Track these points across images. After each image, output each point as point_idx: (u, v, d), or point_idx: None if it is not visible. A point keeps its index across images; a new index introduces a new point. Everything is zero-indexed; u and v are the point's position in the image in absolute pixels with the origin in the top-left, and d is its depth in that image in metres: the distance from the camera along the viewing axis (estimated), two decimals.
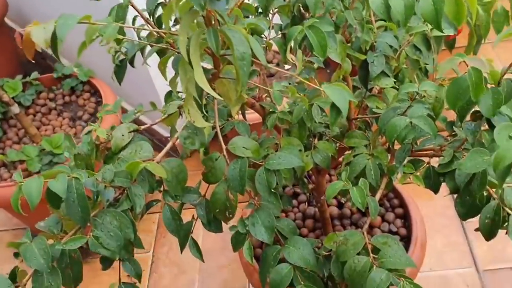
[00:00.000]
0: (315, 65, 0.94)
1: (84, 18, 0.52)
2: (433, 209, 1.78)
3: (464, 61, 0.69)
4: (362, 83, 0.90)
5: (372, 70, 0.87)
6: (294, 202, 1.45)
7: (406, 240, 1.28)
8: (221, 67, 0.63)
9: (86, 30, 0.53)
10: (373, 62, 0.87)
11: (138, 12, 0.68)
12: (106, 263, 0.71)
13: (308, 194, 1.44)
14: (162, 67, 0.66)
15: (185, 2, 0.45)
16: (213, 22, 0.50)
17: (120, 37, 0.65)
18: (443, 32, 0.62)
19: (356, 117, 0.92)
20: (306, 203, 1.44)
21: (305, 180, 1.40)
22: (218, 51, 0.49)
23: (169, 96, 1.01)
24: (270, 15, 0.95)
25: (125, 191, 0.71)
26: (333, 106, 0.64)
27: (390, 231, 1.31)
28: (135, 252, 0.84)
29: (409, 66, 0.97)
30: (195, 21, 0.49)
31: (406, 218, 1.34)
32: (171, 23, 0.56)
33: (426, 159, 0.76)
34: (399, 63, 0.94)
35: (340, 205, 1.41)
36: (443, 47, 1.58)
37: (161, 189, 0.77)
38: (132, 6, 0.65)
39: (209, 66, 0.65)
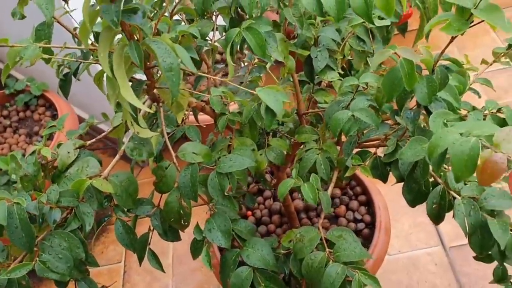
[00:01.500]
0: (268, 64, 0.94)
1: (1, 41, 0.50)
2: (397, 193, 1.80)
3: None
4: (308, 78, 0.91)
5: (316, 65, 0.87)
6: (260, 199, 1.45)
7: (371, 226, 1.30)
8: (156, 77, 0.62)
9: (8, 53, 0.52)
10: (316, 57, 0.88)
11: (65, 28, 0.66)
12: (61, 285, 0.69)
13: (272, 190, 1.44)
14: (97, 82, 0.65)
15: (103, 20, 0.44)
16: (137, 35, 0.49)
17: (46, 56, 0.63)
18: (374, 24, 0.62)
19: (306, 112, 0.92)
20: (272, 199, 1.45)
21: (267, 176, 1.40)
22: (141, 64, 0.48)
23: (118, 106, 1.00)
24: (214, 17, 0.95)
25: (73, 211, 0.69)
26: (268, 108, 0.64)
27: (355, 219, 1.33)
28: (108, 263, 0.83)
29: (355, 57, 0.98)
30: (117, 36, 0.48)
31: (369, 204, 1.35)
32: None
33: (373, 150, 0.76)
34: (344, 55, 0.94)
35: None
36: (395, 32, 1.61)
37: (112, 204, 0.76)
38: (58, 22, 0.63)
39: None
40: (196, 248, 0.81)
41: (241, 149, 0.88)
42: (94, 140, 0.81)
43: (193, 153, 0.79)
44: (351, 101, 0.73)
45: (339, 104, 0.76)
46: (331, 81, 0.91)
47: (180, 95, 0.73)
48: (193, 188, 0.76)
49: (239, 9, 0.80)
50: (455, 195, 0.67)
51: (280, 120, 1.00)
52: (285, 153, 0.94)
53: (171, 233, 0.82)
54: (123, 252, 1.91)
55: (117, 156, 0.77)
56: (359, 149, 0.78)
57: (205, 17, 0.91)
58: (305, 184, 0.74)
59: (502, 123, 0.82)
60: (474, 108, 0.88)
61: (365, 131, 0.76)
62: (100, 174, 0.75)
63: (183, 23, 0.95)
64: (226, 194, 0.79)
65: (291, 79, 0.92)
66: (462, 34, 0.62)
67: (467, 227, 0.64)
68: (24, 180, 0.78)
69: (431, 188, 0.68)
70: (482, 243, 0.64)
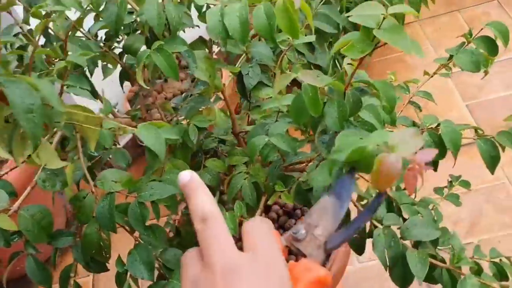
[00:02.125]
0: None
1: None
2: None
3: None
4: (242, 95, 0.86)
5: (248, 82, 0.83)
6: None
7: None
8: None
9: None
10: (247, 73, 0.83)
11: None
12: None
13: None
14: None
15: None
16: None
17: None
18: (277, 45, 0.58)
19: (241, 131, 0.88)
20: None
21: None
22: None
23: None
24: None
25: None
26: (149, 149, 0.60)
27: None
28: (77, 277, 0.79)
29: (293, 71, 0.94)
30: None
31: None
32: None
33: (297, 174, 0.72)
34: (282, 69, 0.90)
35: (267, 209, 1.37)
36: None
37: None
38: None
39: None
40: (120, 281, 0.77)
41: (171, 172, 0.84)
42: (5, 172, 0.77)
43: (113, 180, 0.75)
44: (273, 124, 0.68)
45: (263, 127, 0.71)
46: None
47: (87, 127, 0.69)
48: (111, 219, 0.72)
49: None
50: (376, 223, 0.63)
51: (219, 138, 0.96)
52: (223, 174, 0.90)
53: (95, 265, 0.78)
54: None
55: (28, 188, 0.73)
56: (286, 173, 0.74)
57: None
58: (227, 213, 0.70)
59: (438, 139, 0.77)
60: (414, 124, 0.84)
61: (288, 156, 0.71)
62: (9, 208, 0.70)
63: None
64: (147, 224, 0.75)
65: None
66: (370, 55, 0.58)
67: (387, 260, 0.60)
68: None
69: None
70: (404, 276, 0.60)
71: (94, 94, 0.80)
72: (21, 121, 0.44)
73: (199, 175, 0.88)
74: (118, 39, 0.85)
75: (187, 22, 0.72)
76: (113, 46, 0.86)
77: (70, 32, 0.76)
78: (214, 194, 0.98)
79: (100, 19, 0.77)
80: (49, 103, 0.47)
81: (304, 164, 0.71)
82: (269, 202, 0.73)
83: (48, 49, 0.74)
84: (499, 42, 0.80)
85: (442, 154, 0.79)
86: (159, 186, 0.75)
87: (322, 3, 0.90)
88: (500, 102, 2.02)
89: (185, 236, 1.09)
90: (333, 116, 0.57)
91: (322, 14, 0.89)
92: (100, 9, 0.70)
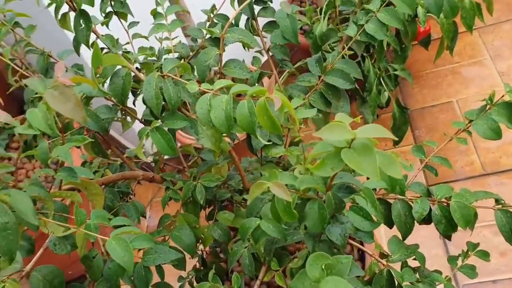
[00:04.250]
0: None
1: None
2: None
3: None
4: (251, 152, 0.86)
5: (255, 144, 0.83)
6: None
7: None
8: None
9: None
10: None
11: None
12: None
13: None
14: None
15: None
16: None
17: None
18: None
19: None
20: None
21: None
22: None
23: None
24: None
25: None
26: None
27: None
28: None
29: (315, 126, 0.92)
30: None
31: None
32: None
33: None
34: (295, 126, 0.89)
35: None
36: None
37: None
38: None
39: None
40: None
41: (181, 228, 0.86)
42: None
43: None
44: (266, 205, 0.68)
45: (262, 201, 0.71)
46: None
47: (93, 195, 0.72)
48: (116, 282, 0.75)
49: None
50: None
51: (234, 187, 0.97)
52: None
53: None
54: None
55: (41, 250, 0.77)
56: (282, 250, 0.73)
57: None
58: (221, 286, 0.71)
59: (449, 214, 0.74)
60: (428, 192, 0.80)
61: None
62: (22, 269, 0.75)
63: None
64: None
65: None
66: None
67: None
68: None
69: None
70: None
71: None
72: None
73: (210, 230, 0.90)
74: None
75: (186, 97, 0.72)
76: None
77: None
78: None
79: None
80: (25, 218, 0.49)
81: (301, 243, 0.70)
82: (265, 280, 0.73)
83: None
84: None
85: (453, 229, 0.76)
86: (163, 250, 0.77)
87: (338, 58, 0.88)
88: None
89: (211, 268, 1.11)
90: (314, 218, 0.56)
91: (337, 70, 0.87)
92: (107, 82, 0.73)
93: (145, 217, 0.92)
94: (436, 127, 2.00)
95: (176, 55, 0.97)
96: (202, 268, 1.12)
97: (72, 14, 0.71)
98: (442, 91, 2.09)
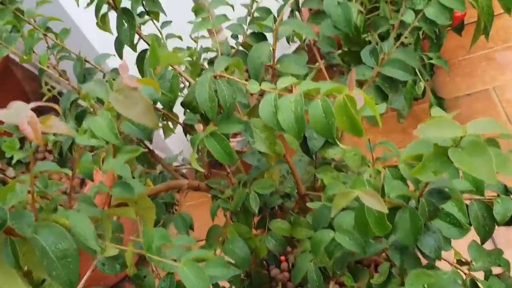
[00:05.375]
0: None
1: None
2: None
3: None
4: (307, 155, 0.80)
5: (312, 144, 0.76)
6: None
7: None
8: None
9: None
10: (311, 135, 0.76)
11: None
12: None
13: None
14: None
15: None
16: None
17: None
18: (336, 143, 0.51)
19: (307, 193, 0.81)
20: None
21: None
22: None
23: None
24: None
25: None
26: None
27: None
28: None
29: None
30: None
31: None
32: None
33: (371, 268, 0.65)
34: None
35: None
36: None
37: None
38: None
39: None
40: None
41: (234, 240, 0.80)
42: None
43: (173, 259, 0.72)
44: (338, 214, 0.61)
45: (329, 209, 0.64)
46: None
47: (144, 209, 0.66)
48: None
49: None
50: None
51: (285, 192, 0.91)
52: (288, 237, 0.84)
53: None
54: None
55: (88, 272, 0.71)
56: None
57: None
58: None
59: None
60: (506, 189, 0.72)
61: None
62: None
63: None
64: None
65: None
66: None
67: None
68: None
69: None
70: None
71: None
72: (53, 271, 0.41)
73: (263, 240, 0.84)
74: None
75: (242, 99, 0.66)
76: None
77: None
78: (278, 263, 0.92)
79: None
80: (85, 243, 0.43)
81: (381, 255, 0.64)
82: None
83: None
84: None
85: None
86: (218, 266, 0.71)
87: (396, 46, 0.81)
88: None
89: (255, 278, 1.05)
90: (406, 228, 0.49)
91: (395, 60, 0.80)
92: None
93: (193, 229, 0.86)
94: (472, 116, 1.91)
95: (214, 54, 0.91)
96: (245, 277, 1.06)
97: (111, 15, 0.65)
98: (477, 78, 2.00)
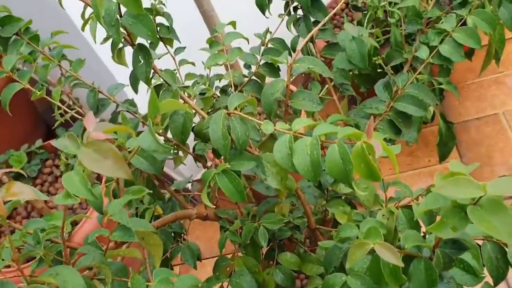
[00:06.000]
0: None
1: None
2: None
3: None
4: (319, 189, 0.79)
5: (324, 180, 0.75)
6: None
7: None
8: None
9: None
10: (324, 170, 0.76)
11: None
12: None
13: None
14: None
15: None
16: None
17: None
18: (352, 189, 0.50)
19: (317, 227, 0.81)
20: None
21: None
22: None
23: None
24: None
25: None
26: None
27: None
28: None
29: None
30: None
31: None
32: None
33: None
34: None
35: None
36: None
37: None
38: None
39: None
40: None
41: (241, 274, 0.79)
42: None
43: None
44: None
45: (341, 249, 0.64)
46: None
47: (151, 245, 0.65)
48: None
49: None
50: None
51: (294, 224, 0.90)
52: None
53: None
54: None
55: None
56: None
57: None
58: None
59: None
60: None
61: None
62: None
63: None
64: None
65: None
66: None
67: None
68: None
69: None
70: None
71: None
72: None
73: (271, 274, 0.83)
74: None
75: (255, 137, 0.65)
76: None
77: None
78: None
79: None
80: None
81: None
82: None
83: None
84: None
85: None
86: None
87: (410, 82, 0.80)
88: None
89: None
90: (420, 279, 0.48)
91: (409, 96, 0.79)
92: (165, 123, 0.66)
93: (200, 260, 0.85)
94: (481, 141, 1.90)
95: (226, 82, 0.91)
96: None
97: (127, 49, 0.65)
98: (487, 102, 1.99)
